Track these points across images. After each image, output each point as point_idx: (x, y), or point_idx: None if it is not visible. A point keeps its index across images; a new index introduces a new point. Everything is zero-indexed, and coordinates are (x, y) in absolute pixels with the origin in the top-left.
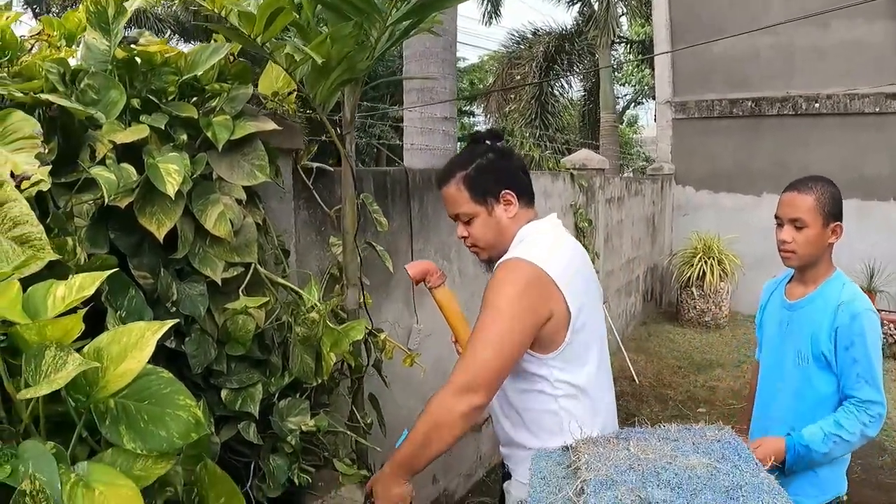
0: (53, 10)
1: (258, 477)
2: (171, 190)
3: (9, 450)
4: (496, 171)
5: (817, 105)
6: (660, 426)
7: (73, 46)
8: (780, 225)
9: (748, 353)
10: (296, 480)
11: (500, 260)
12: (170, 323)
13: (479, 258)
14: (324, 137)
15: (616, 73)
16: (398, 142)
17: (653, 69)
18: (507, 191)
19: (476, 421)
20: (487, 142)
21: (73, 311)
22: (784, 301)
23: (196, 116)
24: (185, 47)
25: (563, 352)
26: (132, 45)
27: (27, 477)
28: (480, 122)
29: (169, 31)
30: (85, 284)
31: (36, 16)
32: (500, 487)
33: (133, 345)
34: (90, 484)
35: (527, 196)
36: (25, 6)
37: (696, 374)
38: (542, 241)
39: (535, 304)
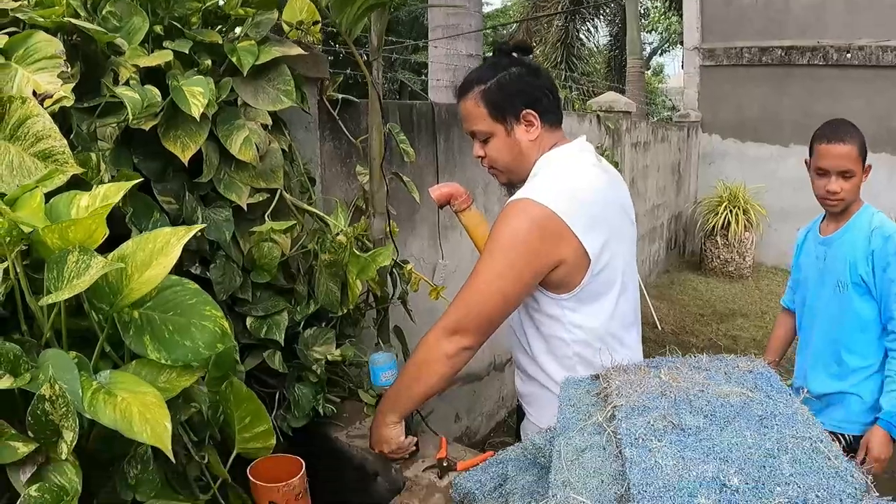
0: None
1: (283, 407)
2: (196, 111)
3: (29, 359)
4: (519, 89)
5: (848, 56)
6: (691, 355)
7: None
8: (822, 175)
9: (772, 305)
10: (321, 410)
11: (513, 197)
12: (195, 228)
13: (499, 180)
14: (348, 71)
15: (643, 20)
16: (422, 89)
17: (681, 15)
18: (530, 111)
19: (464, 363)
20: (513, 55)
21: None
22: (818, 237)
23: (220, 42)
24: None
25: (578, 294)
26: None
27: (47, 381)
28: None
29: None
30: (110, 193)
31: None
32: (517, 427)
33: (158, 251)
34: (112, 391)
35: (552, 117)
36: None
37: (719, 323)
38: (561, 175)
39: (538, 250)
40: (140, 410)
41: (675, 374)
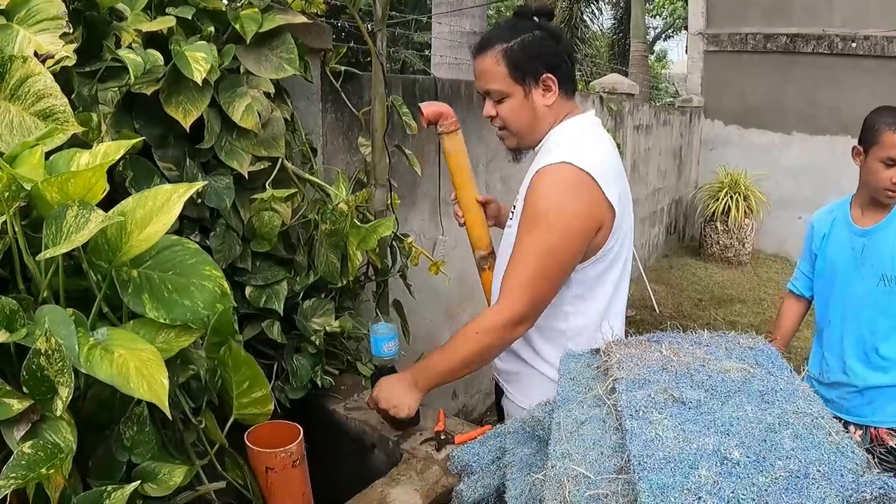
0: None
1: (281, 378)
2: (198, 77)
3: (25, 315)
4: (541, 52)
5: (854, 45)
6: (692, 332)
7: None
8: (891, 165)
9: (770, 292)
10: (319, 382)
11: (544, 164)
12: (197, 185)
13: (505, 144)
14: (352, 44)
15: (648, 4)
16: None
17: (686, 1)
18: (549, 75)
19: None
20: (535, 18)
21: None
22: (854, 227)
23: (223, 9)
24: None
25: (593, 264)
26: None
27: (42, 335)
28: None
29: None
30: (110, 151)
31: None
32: (498, 405)
33: (158, 208)
34: (109, 347)
35: (568, 85)
36: None
37: (717, 308)
38: (589, 142)
39: (588, 215)
40: (137, 366)
41: (677, 349)
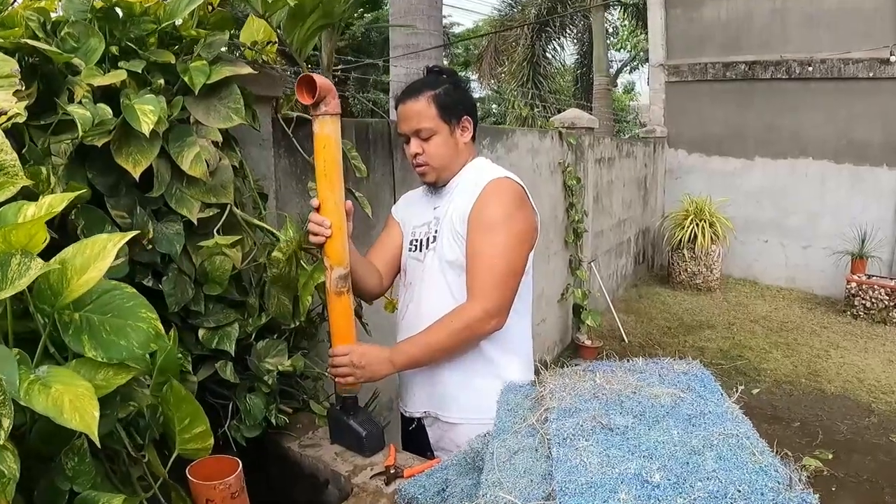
0: None
1: (236, 417)
2: (146, 129)
3: None
4: (461, 98)
5: (811, 69)
6: (629, 360)
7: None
8: None
9: (739, 316)
10: (273, 421)
11: (485, 180)
12: (129, 234)
13: (425, 178)
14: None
15: (611, 38)
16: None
17: (647, 33)
18: (468, 117)
19: None
20: (445, 76)
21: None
22: None
23: (173, 62)
24: None
25: (524, 275)
26: None
27: None
28: (475, 87)
29: None
30: (55, 203)
31: None
32: (406, 440)
33: (96, 255)
34: (48, 383)
35: (475, 131)
36: None
37: (686, 335)
38: (502, 168)
39: (532, 222)
40: (71, 400)
41: (610, 377)
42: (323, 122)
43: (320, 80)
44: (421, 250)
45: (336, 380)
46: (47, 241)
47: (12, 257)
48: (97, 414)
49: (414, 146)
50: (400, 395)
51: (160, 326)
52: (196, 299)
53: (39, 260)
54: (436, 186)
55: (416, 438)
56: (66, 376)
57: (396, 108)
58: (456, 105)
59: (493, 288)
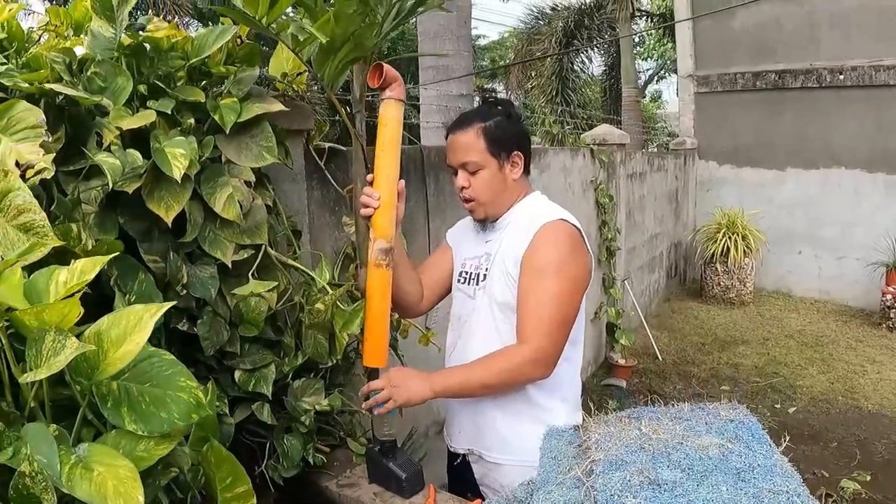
0: None
1: (273, 457)
2: (177, 174)
3: (12, 433)
4: (513, 133)
5: (842, 77)
6: (673, 405)
7: (82, 36)
8: None
9: (773, 331)
10: (311, 460)
11: (542, 221)
12: (166, 305)
13: (474, 214)
14: (337, 117)
15: (637, 48)
16: (414, 119)
17: (675, 42)
18: (518, 152)
19: None
20: (500, 107)
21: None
22: None
23: (203, 100)
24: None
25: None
26: (140, 32)
27: (26, 459)
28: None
29: (188, 17)
30: (87, 269)
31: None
32: (451, 475)
33: (132, 327)
34: (89, 465)
35: (528, 166)
36: None
37: (720, 352)
38: (558, 208)
39: (587, 267)
40: (114, 484)
41: (656, 426)
42: (388, 105)
43: (388, 69)
44: (470, 284)
45: (375, 411)
46: (80, 315)
47: (46, 334)
48: (142, 498)
49: (461, 179)
50: (446, 430)
51: (201, 396)
52: (231, 341)
53: (74, 339)
54: (484, 222)
55: (460, 473)
56: (107, 455)
57: (446, 138)
58: (506, 139)
59: (543, 336)
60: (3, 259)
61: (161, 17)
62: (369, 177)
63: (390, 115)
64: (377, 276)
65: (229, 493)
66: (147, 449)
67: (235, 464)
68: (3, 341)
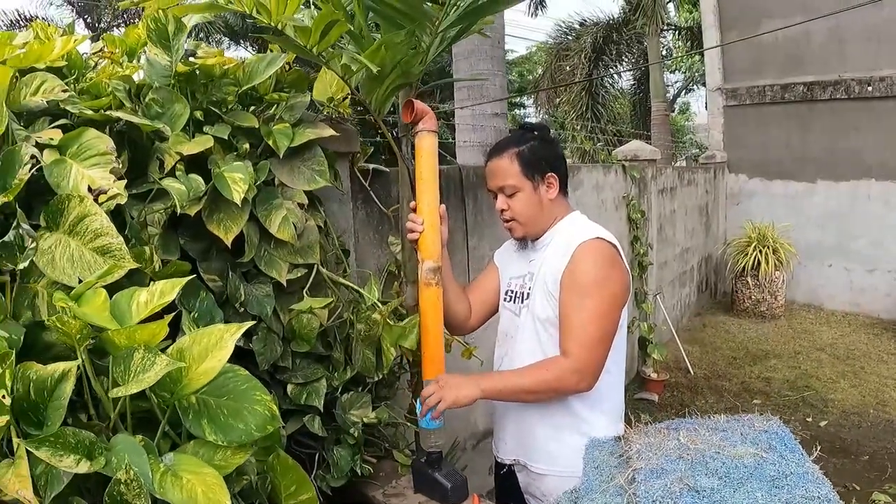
0: (105, 19)
1: (322, 467)
2: (237, 197)
3: (102, 444)
4: (545, 154)
5: (870, 88)
6: (709, 417)
7: (134, 61)
8: None
9: (805, 344)
10: (358, 471)
11: (579, 240)
12: (246, 325)
13: (514, 234)
14: (378, 138)
15: (666, 61)
16: (450, 137)
17: (702, 56)
18: (552, 174)
19: None
20: (535, 132)
21: (157, 315)
22: None
23: (257, 126)
24: (233, 50)
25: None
26: (191, 59)
27: (122, 467)
28: (531, 114)
29: (219, 35)
30: (166, 290)
31: (88, 26)
32: (498, 483)
33: (213, 345)
34: (178, 472)
35: (565, 185)
36: (76, 15)
37: (752, 366)
38: (596, 225)
39: (625, 283)
40: (203, 490)
41: (693, 437)
42: (422, 137)
43: (418, 105)
44: (515, 302)
45: (429, 416)
46: (166, 334)
47: (135, 352)
48: (229, 502)
49: (500, 202)
50: (494, 442)
51: (275, 408)
52: (284, 356)
53: (164, 356)
54: (524, 241)
55: (507, 482)
56: (193, 464)
57: (485, 165)
58: (539, 161)
59: (585, 350)
60: (80, 281)
61: (193, 35)
62: (412, 203)
63: (425, 146)
64: (428, 294)
65: (294, 501)
66: (224, 458)
67: (300, 472)
68: (86, 361)
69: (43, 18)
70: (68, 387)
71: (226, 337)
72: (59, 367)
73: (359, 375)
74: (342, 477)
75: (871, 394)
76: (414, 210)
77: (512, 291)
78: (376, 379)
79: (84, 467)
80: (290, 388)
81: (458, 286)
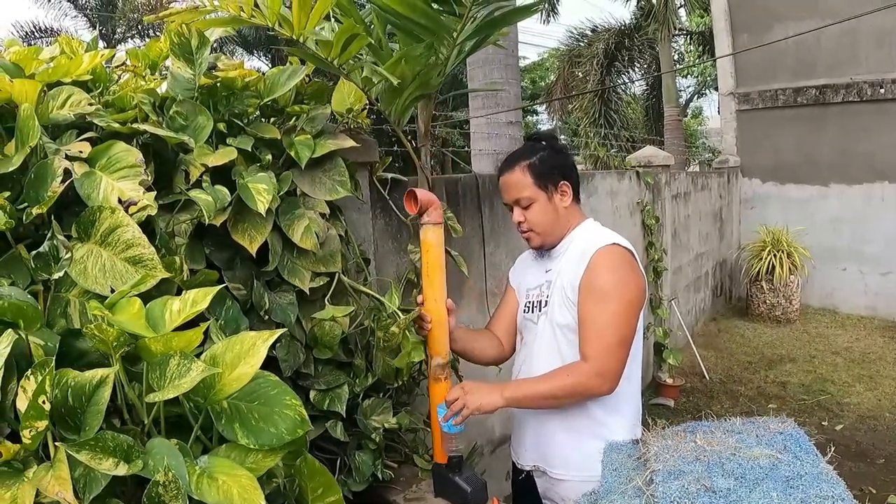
0: (119, 29)
1: (344, 472)
2: (262, 208)
3: (138, 447)
4: (556, 164)
5: (882, 91)
6: (725, 419)
7: (156, 74)
8: None
9: (820, 348)
10: (379, 475)
11: (596, 246)
12: (278, 332)
13: (531, 243)
14: (395, 148)
15: (677, 68)
16: (463, 145)
17: (714, 60)
18: (565, 182)
19: None
20: (544, 142)
21: (190, 323)
22: None
23: (279, 137)
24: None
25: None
26: (212, 71)
27: (160, 469)
28: (544, 120)
29: (233, 45)
30: (198, 299)
31: (102, 37)
32: (515, 489)
33: (246, 352)
34: (213, 475)
35: (577, 193)
36: (90, 26)
37: (767, 370)
38: (611, 231)
39: (642, 288)
40: (239, 492)
41: (710, 439)
42: (426, 230)
43: (422, 195)
44: (533, 312)
45: (452, 422)
46: (201, 342)
47: (171, 358)
48: (264, 503)
49: (516, 215)
50: (512, 448)
51: (304, 413)
52: (306, 362)
53: (200, 363)
54: (542, 249)
55: (525, 487)
56: (227, 466)
57: (498, 180)
58: (551, 171)
59: (605, 355)
60: (112, 291)
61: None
62: (420, 298)
63: (430, 240)
64: (436, 387)
65: (321, 503)
66: (256, 461)
67: (327, 475)
68: (120, 369)
69: (58, 30)
70: (106, 392)
71: (258, 344)
72: (97, 373)
73: (379, 382)
74: (364, 481)
75: (886, 397)
76: (421, 304)
77: (530, 302)
78: (396, 385)
79: (122, 470)
80: (312, 394)
81: (481, 335)
